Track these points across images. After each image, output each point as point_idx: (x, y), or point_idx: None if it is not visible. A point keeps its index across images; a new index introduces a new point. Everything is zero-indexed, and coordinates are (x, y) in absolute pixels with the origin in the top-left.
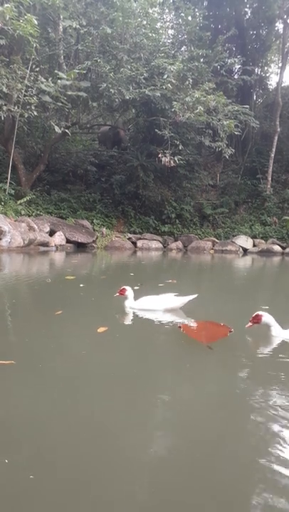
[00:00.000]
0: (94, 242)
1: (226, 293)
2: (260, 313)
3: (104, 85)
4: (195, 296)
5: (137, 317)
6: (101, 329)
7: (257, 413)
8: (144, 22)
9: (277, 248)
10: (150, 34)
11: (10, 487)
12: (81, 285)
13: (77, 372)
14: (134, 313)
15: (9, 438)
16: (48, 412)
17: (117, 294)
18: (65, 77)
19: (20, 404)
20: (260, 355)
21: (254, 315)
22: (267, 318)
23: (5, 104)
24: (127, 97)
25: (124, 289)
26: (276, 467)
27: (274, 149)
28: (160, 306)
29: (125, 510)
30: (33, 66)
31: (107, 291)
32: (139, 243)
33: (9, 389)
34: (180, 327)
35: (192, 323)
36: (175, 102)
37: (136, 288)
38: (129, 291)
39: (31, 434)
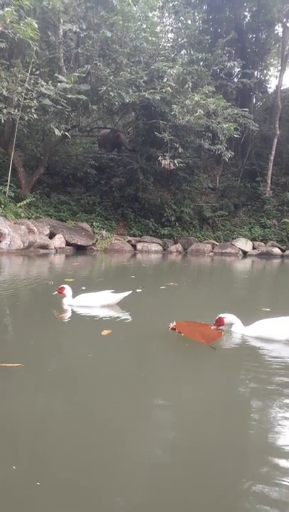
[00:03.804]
0: (94, 244)
1: (226, 295)
2: (221, 315)
3: (104, 88)
4: (130, 292)
5: (133, 319)
6: (105, 332)
7: (259, 413)
8: (144, 26)
9: (276, 251)
10: (150, 38)
11: (17, 493)
12: (83, 288)
13: (84, 376)
14: (72, 310)
15: (17, 442)
16: (55, 415)
17: (56, 293)
18: (65, 80)
19: (30, 407)
20: (260, 354)
21: (216, 319)
22: (229, 318)
23: (5, 107)
24: (127, 100)
25: (62, 287)
26: (277, 467)
27: (273, 152)
28: (97, 303)
29: (126, 510)
30: (33, 69)
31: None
32: (139, 246)
33: (19, 392)
34: (174, 329)
35: (179, 324)
36: (175, 105)
37: (138, 291)
38: (68, 290)
39: (38, 437)
